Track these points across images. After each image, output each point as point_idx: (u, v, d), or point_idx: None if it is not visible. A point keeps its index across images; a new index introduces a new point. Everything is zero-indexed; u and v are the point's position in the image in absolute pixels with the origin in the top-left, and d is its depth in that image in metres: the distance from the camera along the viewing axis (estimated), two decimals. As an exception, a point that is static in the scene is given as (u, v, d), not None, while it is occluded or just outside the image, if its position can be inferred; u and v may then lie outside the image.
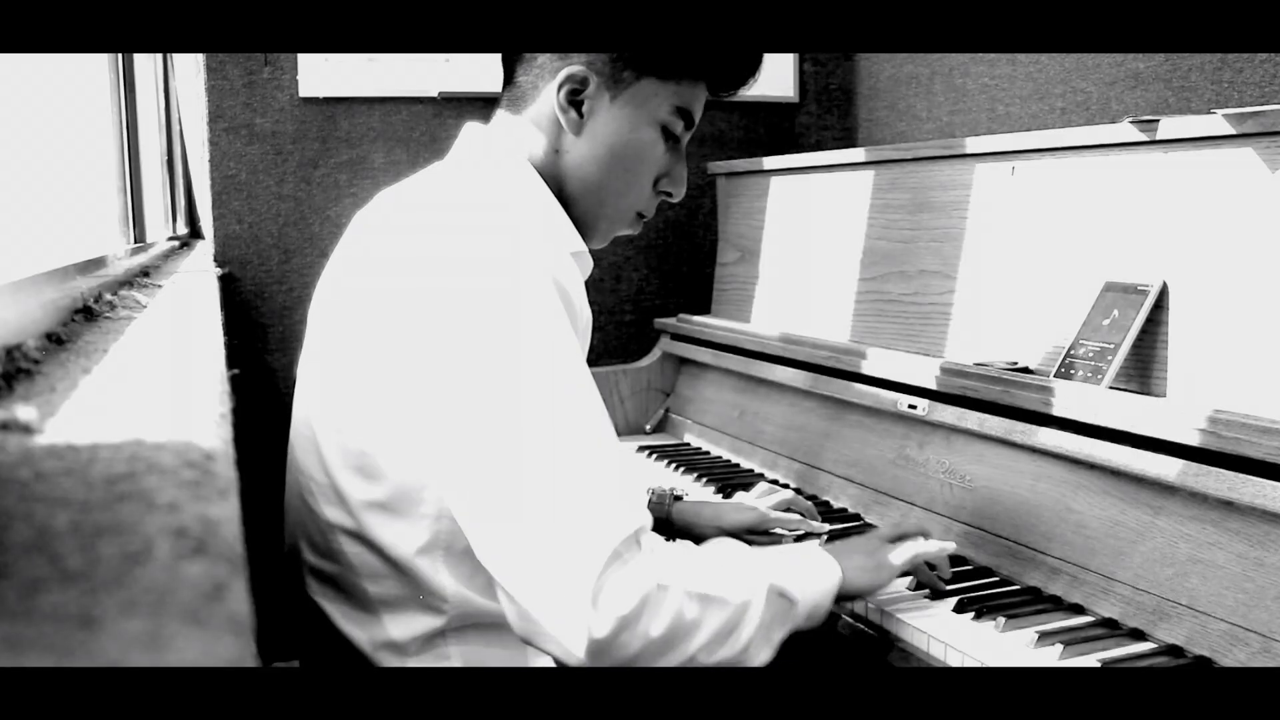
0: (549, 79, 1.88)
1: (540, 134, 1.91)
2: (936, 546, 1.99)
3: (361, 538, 1.77)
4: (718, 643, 1.62)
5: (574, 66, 1.86)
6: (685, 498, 2.51)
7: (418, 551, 1.74)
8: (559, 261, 1.71)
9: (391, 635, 1.78)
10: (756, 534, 2.28)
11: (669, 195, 2.02)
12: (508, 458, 1.54)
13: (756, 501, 2.38)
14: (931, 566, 2.04)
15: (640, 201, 1.98)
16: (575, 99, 1.87)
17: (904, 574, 1.99)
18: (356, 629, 1.80)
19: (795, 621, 1.76)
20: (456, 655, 1.78)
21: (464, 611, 1.77)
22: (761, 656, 1.70)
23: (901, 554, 1.95)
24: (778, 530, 2.32)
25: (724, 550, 1.81)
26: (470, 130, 1.98)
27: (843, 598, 1.87)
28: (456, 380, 1.60)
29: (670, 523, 2.33)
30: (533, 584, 1.52)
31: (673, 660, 1.58)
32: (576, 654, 1.50)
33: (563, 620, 1.50)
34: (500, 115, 1.97)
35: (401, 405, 1.69)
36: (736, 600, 1.63)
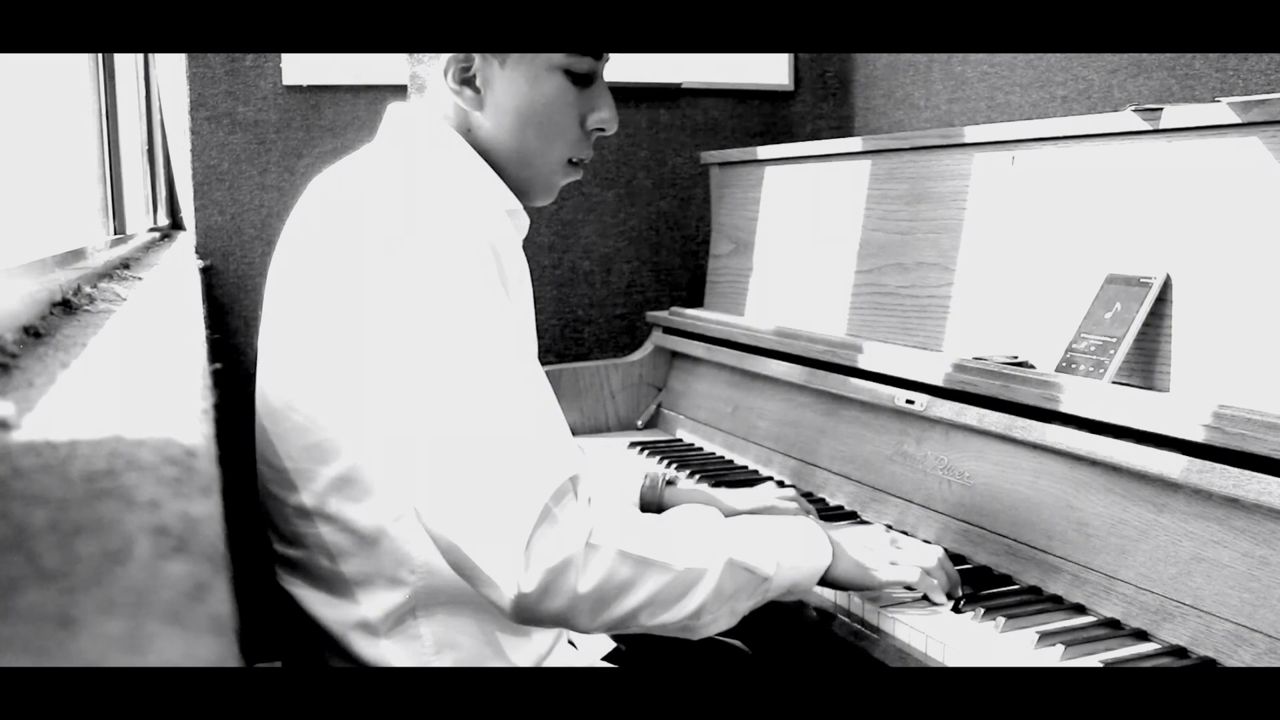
0: (437, 66, 1.91)
1: (448, 119, 1.94)
2: (944, 580, 1.99)
3: (326, 516, 1.79)
4: (660, 606, 1.67)
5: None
6: (678, 482, 2.52)
7: (381, 521, 1.77)
8: (490, 221, 1.75)
9: (362, 614, 1.79)
10: None
11: (601, 131, 2.02)
12: (440, 415, 1.60)
13: (761, 491, 2.41)
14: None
15: (569, 149, 1.99)
16: (466, 76, 1.89)
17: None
18: (327, 611, 1.82)
19: (768, 594, 1.82)
20: (427, 634, 1.80)
21: (430, 584, 1.79)
22: (719, 625, 1.77)
23: (905, 571, 1.95)
24: None
25: (685, 517, 1.82)
26: (393, 110, 2.01)
27: (829, 584, 1.90)
28: (390, 345, 1.65)
29: (663, 508, 2.33)
30: (466, 539, 1.58)
31: (609, 618, 1.64)
32: (505, 606, 1.58)
33: (494, 573, 1.56)
34: (415, 97, 2.00)
35: (344, 376, 1.73)
36: (681, 566, 1.67)
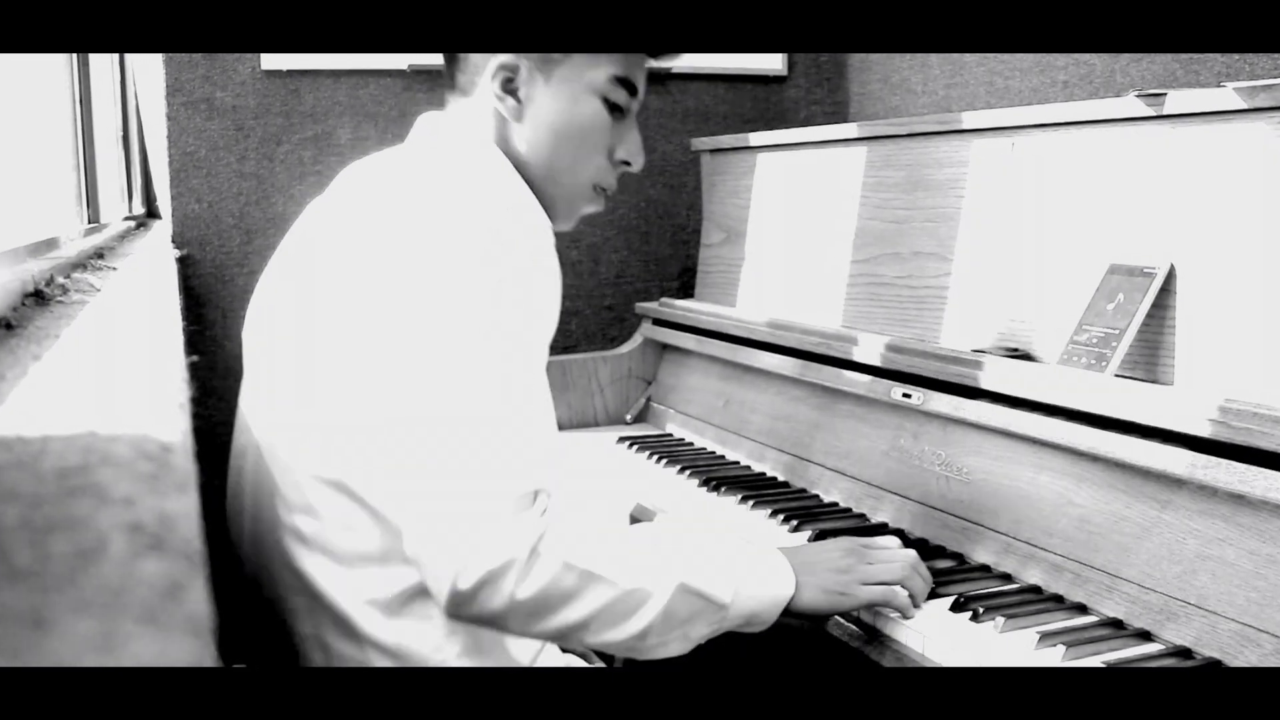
0: (482, 72, 1.97)
1: (487, 126, 1.99)
2: (920, 587, 1.98)
3: (343, 487, 1.80)
4: (603, 624, 1.71)
5: (503, 55, 1.94)
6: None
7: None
8: (534, 225, 1.84)
9: (375, 592, 1.80)
10: None
11: (627, 165, 2.09)
12: (428, 398, 1.67)
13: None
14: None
15: (596, 175, 2.05)
16: (510, 87, 1.96)
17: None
18: (338, 586, 1.82)
19: (726, 624, 1.83)
20: (439, 615, 1.79)
21: None
22: (669, 650, 1.79)
23: (877, 592, 1.92)
24: None
25: (645, 536, 1.84)
26: (426, 119, 2.06)
27: (796, 615, 1.89)
28: (398, 325, 1.71)
29: None
30: (416, 524, 1.66)
31: (546, 628, 1.69)
32: (440, 599, 1.65)
33: (434, 564, 1.63)
34: (452, 106, 2.05)
35: (359, 346, 1.76)
36: (627, 586, 1.71)
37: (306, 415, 1.85)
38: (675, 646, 1.79)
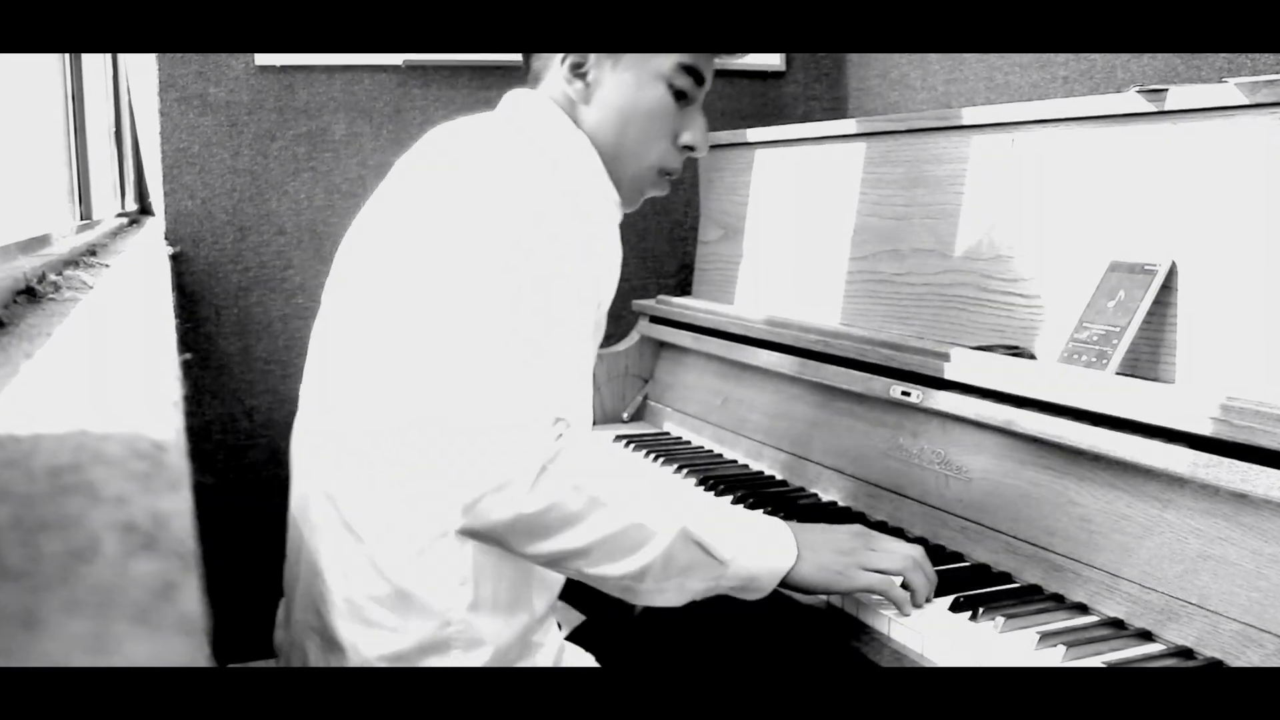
0: (554, 57, 2.08)
1: (558, 109, 2.08)
2: (923, 584, 1.98)
3: (383, 427, 1.89)
4: (604, 554, 1.77)
5: None
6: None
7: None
8: (594, 193, 2.03)
9: (409, 526, 1.88)
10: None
11: (691, 150, 2.16)
12: (462, 327, 1.78)
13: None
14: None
15: (660, 158, 2.14)
16: (579, 70, 2.06)
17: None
18: (373, 519, 1.90)
19: (724, 583, 1.86)
20: (457, 563, 1.87)
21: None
22: (664, 598, 1.84)
23: (876, 580, 1.93)
24: None
25: (658, 482, 1.92)
26: (515, 94, 2.15)
27: (793, 587, 1.91)
28: (440, 273, 1.83)
29: None
30: (441, 433, 1.76)
31: (547, 549, 1.76)
32: (455, 509, 1.75)
33: (452, 472, 1.73)
34: (527, 89, 2.16)
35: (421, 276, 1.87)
36: (632, 520, 1.77)
37: (350, 357, 1.95)
38: (670, 596, 1.83)
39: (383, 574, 1.86)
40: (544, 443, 1.72)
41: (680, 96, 2.09)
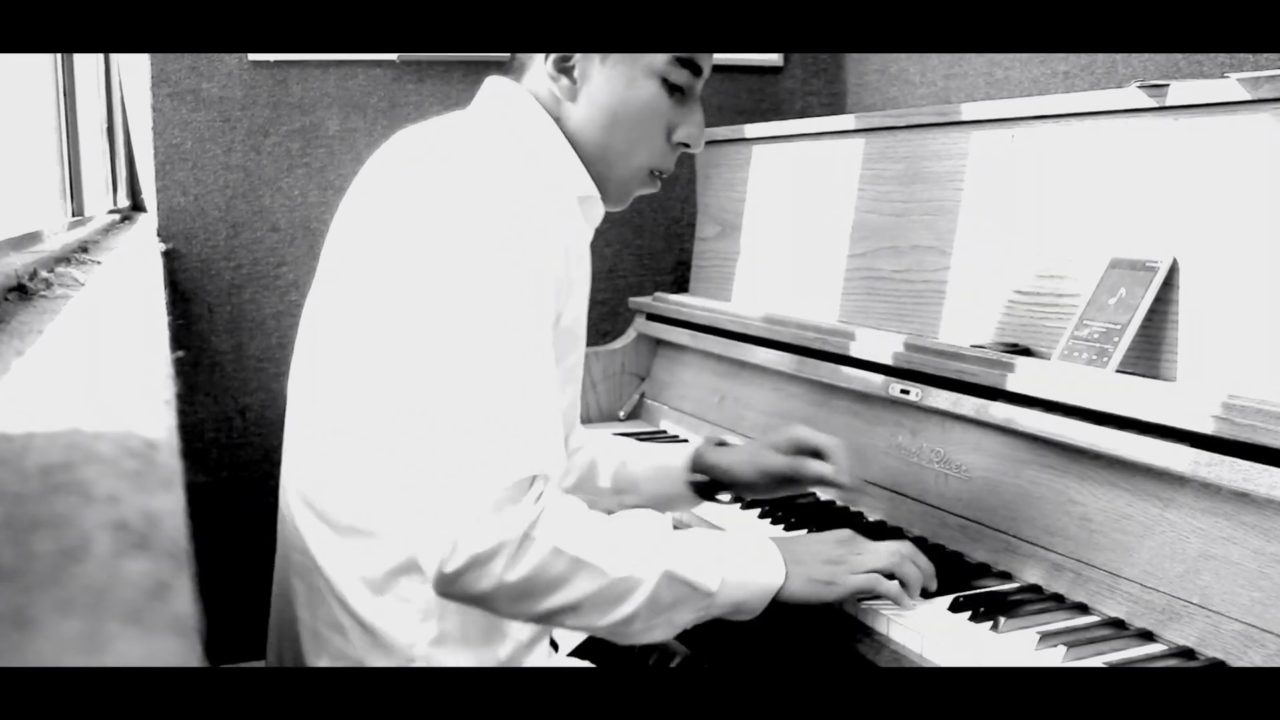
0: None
1: (540, 104, 1.98)
2: (915, 575, 1.97)
3: (343, 457, 1.85)
4: (590, 609, 1.73)
5: None
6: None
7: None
8: (554, 208, 1.85)
9: (364, 569, 1.84)
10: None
11: (686, 147, 2.06)
12: (429, 379, 1.70)
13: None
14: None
15: (654, 158, 2.03)
16: (565, 65, 1.94)
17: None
18: (334, 557, 1.87)
19: (711, 611, 1.84)
20: (417, 599, 1.83)
21: None
22: (653, 635, 1.81)
23: (865, 580, 1.92)
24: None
25: (634, 523, 1.85)
26: (491, 82, 2.05)
27: (784, 603, 1.88)
28: (404, 300, 1.74)
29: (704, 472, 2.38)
30: (416, 504, 1.68)
31: (531, 611, 1.72)
32: (429, 576, 1.67)
33: (427, 544, 1.66)
34: (507, 81, 2.03)
35: (365, 326, 1.81)
36: (616, 574, 1.72)
37: (316, 379, 1.91)
38: (660, 632, 1.80)
39: (345, 606, 1.84)
40: (524, 510, 1.66)
41: (675, 90, 1.98)
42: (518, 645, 1.92)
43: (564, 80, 1.94)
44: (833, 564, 1.92)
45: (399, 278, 1.75)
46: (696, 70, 1.99)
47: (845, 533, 1.99)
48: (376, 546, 1.82)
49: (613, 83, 1.94)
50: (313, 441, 1.90)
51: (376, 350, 1.78)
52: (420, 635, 1.83)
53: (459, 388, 1.68)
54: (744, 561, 1.85)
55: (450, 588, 1.66)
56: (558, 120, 1.98)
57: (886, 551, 1.95)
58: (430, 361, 1.69)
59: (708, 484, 2.36)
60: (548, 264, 1.78)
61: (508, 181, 1.79)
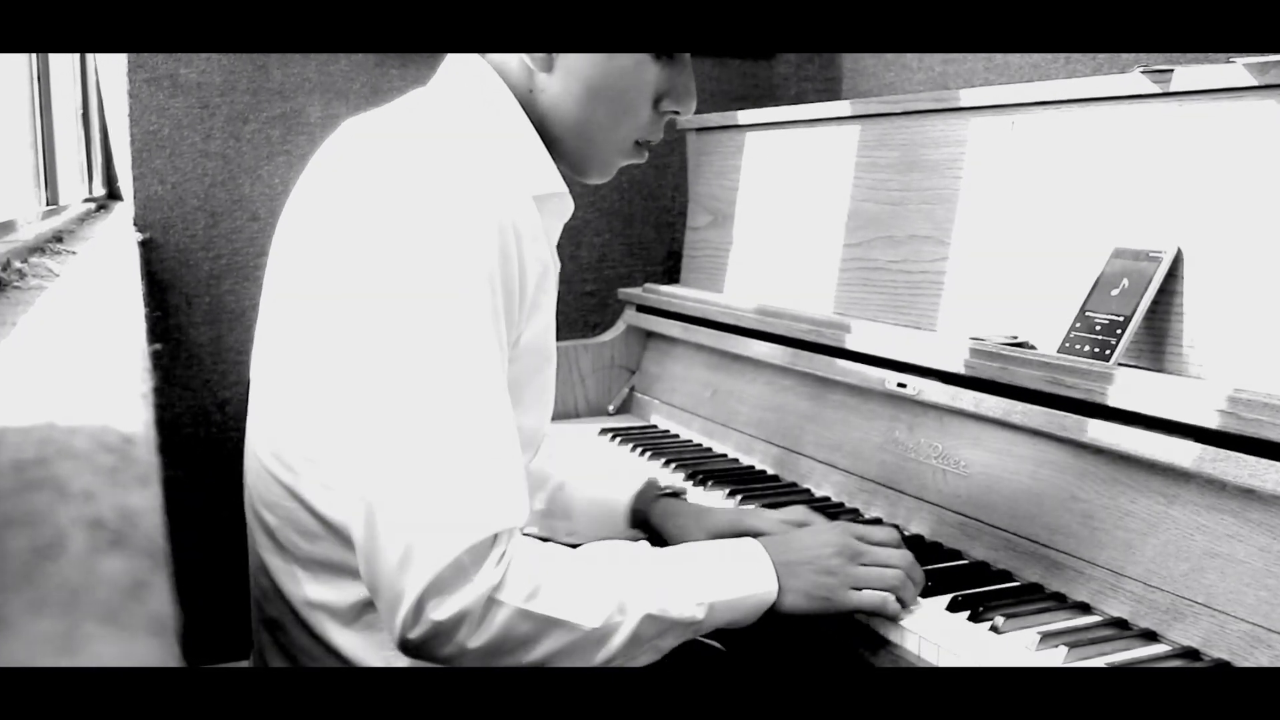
0: None
1: (512, 75, 1.88)
2: (913, 594, 1.94)
3: (298, 496, 1.81)
4: (565, 659, 1.67)
5: None
6: (684, 496, 2.44)
7: (347, 514, 1.75)
8: (513, 216, 1.70)
9: (327, 599, 1.81)
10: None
11: (676, 114, 1.97)
12: (387, 434, 1.61)
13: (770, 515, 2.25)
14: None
15: (638, 129, 1.94)
16: None
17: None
18: (294, 587, 1.84)
19: (702, 632, 1.83)
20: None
21: None
22: (639, 662, 1.76)
23: (868, 598, 1.89)
24: None
25: (604, 558, 1.79)
26: (450, 62, 1.94)
27: (779, 617, 1.86)
28: (360, 343, 1.66)
29: (647, 523, 2.33)
30: (376, 567, 1.61)
31: (504, 666, 1.65)
32: (393, 639, 1.61)
33: (387, 607, 1.60)
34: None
35: (319, 360, 1.74)
36: (590, 625, 1.67)
37: (268, 411, 1.87)
38: (645, 659, 1.76)
39: (314, 636, 1.82)
40: (486, 576, 1.59)
41: (663, 55, 1.87)
42: None
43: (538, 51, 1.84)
44: (830, 575, 1.88)
45: (352, 302, 1.67)
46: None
47: (842, 534, 1.94)
48: (338, 580, 1.80)
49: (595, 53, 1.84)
50: (273, 473, 1.84)
51: (328, 383, 1.72)
52: (396, 664, 1.80)
53: (415, 440, 1.60)
54: (732, 579, 1.82)
55: (414, 654, 1.62)
56: (530, 94, 1.87)
57: (893, 574, 1.90)
58: (385, 411, 1.62)
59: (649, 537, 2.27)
60: (507, 285, 1.69)
61: (473, 191, 1.68)
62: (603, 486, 2.40)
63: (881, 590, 1.89)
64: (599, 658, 1.69)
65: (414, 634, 1.57)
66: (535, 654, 1.64)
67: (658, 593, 1.73)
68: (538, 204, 1.81)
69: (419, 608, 1.56)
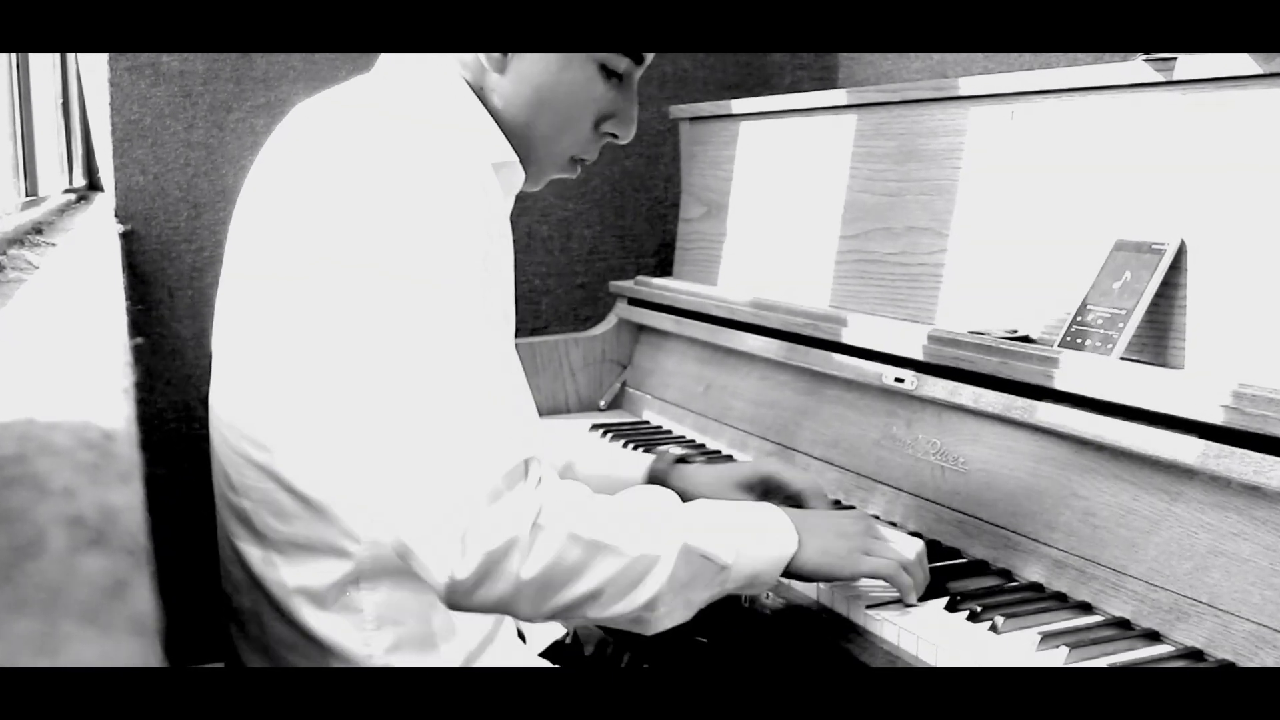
0: None
1: (464, 70, 1.90)
2: (921, 576, 1.97)
3: (273, 475, 1.81)
4: (611, 596, 1.68)
5: None
6: (691, 460, 2.47)
7: (328, 489, 1.78)
8: (480, 176, 1.74)
9: (305, 581, 1.82)
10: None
11: (614, 137, 2.00)
12: (393, 383, 1.61)
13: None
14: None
15: (576, 145, 1.97)
16: None
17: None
18: (270, 571, 1.85)
19: (726, 586, 1.82)
20: (369, 607, 1.81)
21: (376, 556, 1.81)
22: (674, 618, 1.77)
23: (881, 564, 1.92)
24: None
25: (643, 498, 1.83)
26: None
27: (796, 575, 1.89)
28: (349, 303, 1.66)
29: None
30: (404, 516, 1.59)
31: (555, 605, 1.65)
32: (439, 590, 1.59)
33: (429, 556, 1.57)
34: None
35: (302, 329, 1.74)
36: (634, 553, 1.68)
37: (238, 392, 1.87)
38: (679, 615, 1.77)
39: (290, 623, 1.83)
40: (528, 498, 1.59)
41: (613, 76, 1.91)
42: (480, 640, 1.92)
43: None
44: (846, 538, 1.91)
45: (337, 270, 1.67)
46: (639, 58, 1.93)
47: (860, 514, 2.01)
48: (317, 561, 1.81)
49: (546, 60, 1.87)
50: (245, 455, 1.85)
51: (318, 352, 1.72)
52: (377, 644, 1.82)
53: (429, 386, 1.60)
54: (756, 531, 1.84)
55: (468, 597, 1.59)
56: (480, 90, 1.90)
57: (900, 558, 1.93)
58: (390, 367, 1.62)
59: None
60: (491, 239, 1.72)
61: (448, 155, 1.71)
62: (613, 462, 2.43)
63: (893, 563, 1.92)
64: (644, 594, 1.69)
65: (465, 574, 1.55)
66: (586, 584, 1.65)
67: (691, 529, 1.76)
68: (495, 172, 1.83)
69: (465, 544, 1.55)
